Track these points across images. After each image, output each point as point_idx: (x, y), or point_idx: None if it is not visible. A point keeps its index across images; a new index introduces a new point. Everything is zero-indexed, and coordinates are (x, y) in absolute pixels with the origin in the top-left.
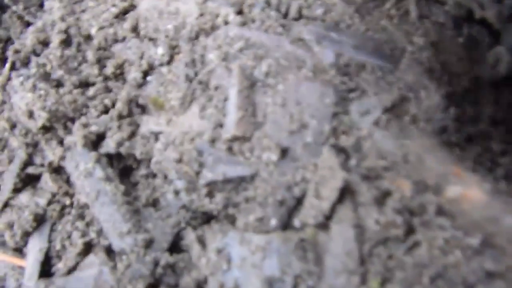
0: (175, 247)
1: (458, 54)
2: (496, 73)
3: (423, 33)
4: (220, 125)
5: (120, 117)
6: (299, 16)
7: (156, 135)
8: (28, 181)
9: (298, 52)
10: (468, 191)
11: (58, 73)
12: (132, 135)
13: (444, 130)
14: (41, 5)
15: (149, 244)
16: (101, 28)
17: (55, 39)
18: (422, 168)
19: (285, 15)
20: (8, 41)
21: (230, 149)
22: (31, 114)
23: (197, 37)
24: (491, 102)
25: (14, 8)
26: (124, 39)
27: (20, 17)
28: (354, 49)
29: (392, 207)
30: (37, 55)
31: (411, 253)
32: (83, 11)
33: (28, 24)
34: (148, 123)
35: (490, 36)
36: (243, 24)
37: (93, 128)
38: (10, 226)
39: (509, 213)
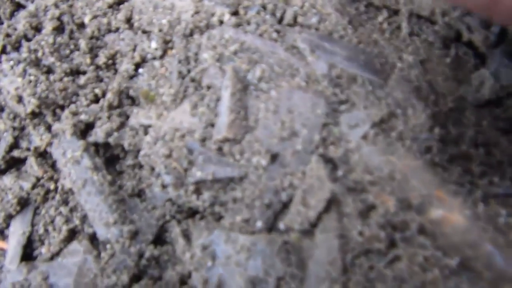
0: (159, 239)
1: (445, 74)
2: (480, 96)
3: (413, 51)
4: (212, 125)
5: (110, 107)
6: (294, 23)
7: (146, 128)
8: (12, 164)
9: (292, 60)
10: (450, 215)
11: (50, 60)
12: (121, 126)
13: (429, 150)
14: None
15: (134, 235)
16: (95, 17)
17: (48, 25)
18: (407, 187)
19: (280, 20)
20: None
21: (220, 150)
22: (20, 99)
23: (191, 34)
24: (473, 124)
25: None
26: (117, 29)
27: (13, 1)
28: (346, 61)
29: (376, 221)
30: (29, 40)
31: (391, 266)
32: None
33: (18, 5)
34: (138, 116)
35: (476, 58)
36: (238, 25)
37: (83, 117)
38: None
39: (487, 241)
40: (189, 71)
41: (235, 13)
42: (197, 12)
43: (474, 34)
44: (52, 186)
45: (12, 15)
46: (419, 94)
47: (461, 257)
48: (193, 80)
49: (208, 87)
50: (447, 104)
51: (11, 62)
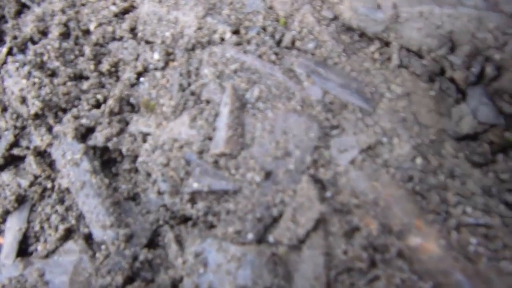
0: (153, 243)
1: (429, 106)
2: (459, 130)
3: (401, 82)
4: (209, 139)
5: (111, 113)
6: (292, 47)
7: (145, 136)
8: (11, 162)
9: (289, 84)
10: (427, 243)
11: (54, 64)
12: (121, 131)
13: (410, 179)
14: None
15: (129, 238)
16: (100, 24)
17: (54, 30)
18: (390, 213)
19: (279, 43)
20: (1, 19)
21: (216, 163)
22: (23, 100)
23: (193, 49)
24: (451, 156)
25: None
26: (121, 38)
27: (19, 2)
28: (340, 88)
29: (359, 242)
30: (35, 43)
31: (371, 285)
32: (83, 5)
33: (23, 5)
34: (138, 123)
35: (457, 94)
36: (239, 44)
37: (84, 121)
38: None
39: (458, 270)
40: (189, 85)
41: (236, 32)
42: (199, 28)
43: (456, 72)
44: (49, 185)
45: (17, 15)
46: (404, 125)
47: (434, 282)
48: (193, 93)
49: (207, 102)
50: (428, 136)
51: (17, 64)
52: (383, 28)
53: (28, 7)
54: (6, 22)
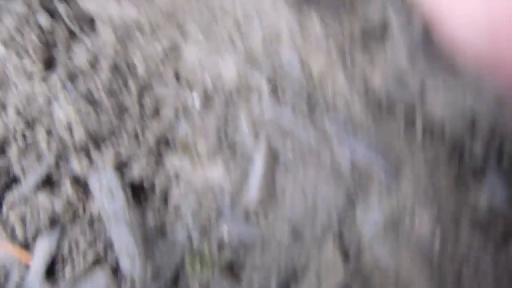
0: (177, 279)
1: (449, 180)
2: (475, 213)
3: (424, 156)
4: (241, 188)
5: (148, 148)
6: (324, 107)
7: (178, 174)
8: (49, 183)
9: (320, 143)
10: None
11: (101, 96)
12: (156, 167)
13: (430, 251)
14: (92, 25)
15: (156, 273)
16: (146, 63)
17: (104, 64)
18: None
19: (312, 102)
20: (55, 46)
21: (247, 214)
22: (68, 127)
23: (231, 97)
24: (466, 241)
25: (66, 20)
26: (164, 77)
27: (71, 31)
28: (366, 153)
29: None
30: (84, 74)
31: None
32: (132, 43)
33: (74, 37)
34: (173, 161)
35: (476, 171)
36: (275, 99)
37: (122, 153)
38: (23, 221)
39: None
40: (225, 131)
41: (272, 86)
42: (239, 78)
43: (476, 151)
44: (81, 211)
45: (68, 43)
46: (425, 198)
47: None
48: (228, 141)
49: (242, 152)
50: (448, 211)
51: (66, 92)
52: (409, 99)
53: (79, 37)
54: (57, 47)
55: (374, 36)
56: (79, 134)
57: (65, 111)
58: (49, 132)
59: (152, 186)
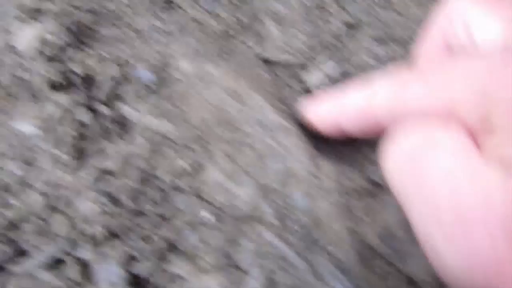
0: None
1: None
2: None
3: None
4: None
5: (156, 250)
6: (323, 248)
7: (182, 281)
8: (55, 264)
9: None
10: None
11: (121, 198)
12: (161, 268)
13: None
14: (128, 131)
15: None
16: (170, 176)
17: (132, 170)
18: None
19: (314, 242)
20: (89, 143)
21: None
22: (86, 220)
23: (241, 221)
24: None
25: (105, 121)
26: (183, 190)
27: (107, 132)
28: None
29: None
30: (112, 174)
31: None
32: (161, 155)
33: (109, 138)
34: (177, 266)
35: None
36: (280, 231)
37: (129, 251)
38: None
39: None
40: (229, 252)
41: (280, 219)
42: (251, 206)
43: None
44: None
45: (102, 144)
46: None
47: None
48: (230, 260)
49: (241, 275)
50: None
51: (91, 187)
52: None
53: (113, 139)
54: (91, 144)
55: (372, 194)
56: (96, 227)
57: (87, 205)
58: (67, 219)
59: (154, 285)
